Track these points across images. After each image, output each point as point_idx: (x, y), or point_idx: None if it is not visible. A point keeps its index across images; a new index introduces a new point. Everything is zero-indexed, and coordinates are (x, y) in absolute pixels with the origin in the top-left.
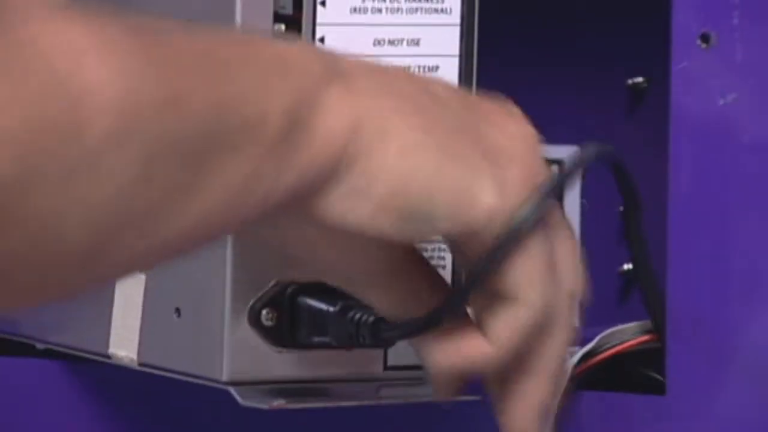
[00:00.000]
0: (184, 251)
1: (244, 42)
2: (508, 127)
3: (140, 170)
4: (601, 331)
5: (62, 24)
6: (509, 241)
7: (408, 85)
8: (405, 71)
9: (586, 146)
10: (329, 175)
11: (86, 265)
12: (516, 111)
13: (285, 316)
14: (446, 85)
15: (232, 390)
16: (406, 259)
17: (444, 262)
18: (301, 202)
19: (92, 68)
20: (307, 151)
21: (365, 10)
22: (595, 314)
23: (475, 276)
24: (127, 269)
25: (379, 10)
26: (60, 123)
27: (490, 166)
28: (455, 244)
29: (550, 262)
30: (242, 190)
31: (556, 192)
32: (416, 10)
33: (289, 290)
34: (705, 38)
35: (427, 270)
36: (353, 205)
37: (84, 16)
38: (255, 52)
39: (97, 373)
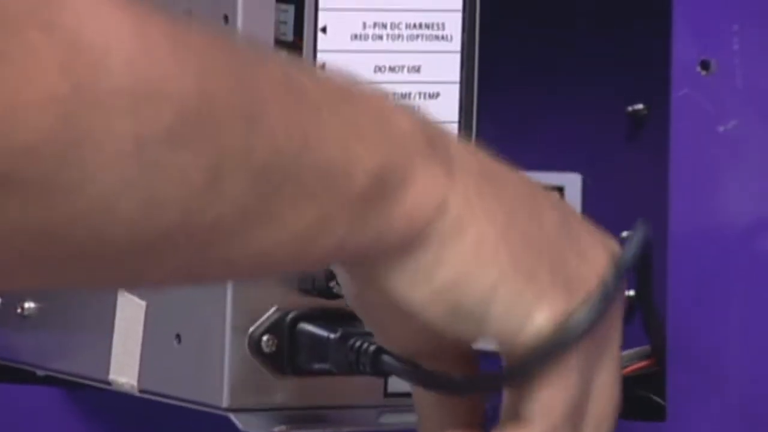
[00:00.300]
0: (242, 276)
1: (344, 90)
2: (597, 262)
3: (207, 177)
4: None
5: (137, 18)
6: (547, 357)
7: (511, 187)
8: (517, 174)
9: (631, 237)
10: (401, 247)
11: (141, 258)
12: (614, 248)
13: (285, 342)
14: (557, 202)
15: (232, 416)
16: (451, 347)
17: None
18: (369, 262)
19: (162, 63)
20: (388, 219)
21: (366, 37)
22: None
23: (501, 379)
24: (179, 277)
25: (380, 37)
26: (110, 101)
27: (557, 291)
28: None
29: (579, 403)
30: (312, 234)
31: (612, 298)
32: (417, 37)
33: (290, 317)
34: (705, 65)
35: (470, 360)
36: (413, 285)
37: (158, 13)
38: (355, 102)
39: (97, 400)
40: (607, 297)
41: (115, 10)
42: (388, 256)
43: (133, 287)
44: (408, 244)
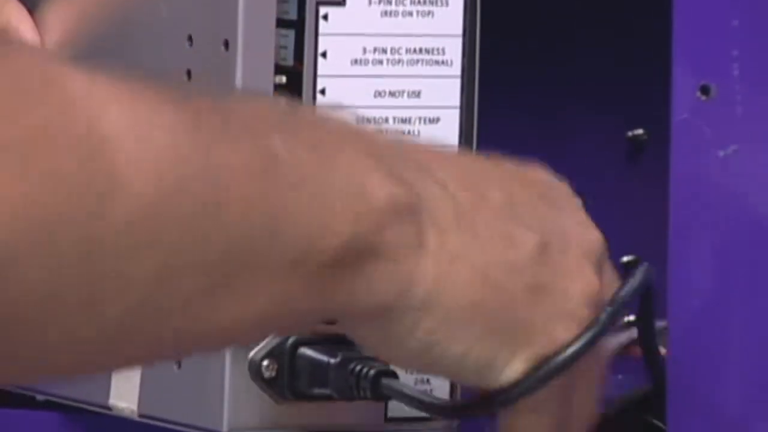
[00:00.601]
0: (201, 351)
1: (322, 153)
2: (580, 288)
3: (155, 279)
4: None
5: (106, 101)
6: (528, 390)
7: (488, 225)
8: (495, 189)
9: (630, 279)
10: (374, 316)
11: (80, 354)
12: (598, 247)
13: (285, 367)
14: (538, 215)
15: None
16: None
17: None
18: (343, 324)
19: (118, 161)
20: (355, 293)
21: (366, 62)
22: None
23: (485, 405)
24: (130, 362)
25: (380, 62)
26: (56, 213)
27: (536, 339)
28: None
29: (562, 422)
30: (274, 309)
31: (602, 335)
32: (417, 61)
33: (290, 341)
34: (705, 90)
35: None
36: (388, 348)
37: (127, 86)
38: (331, 168)
39: (97, 425)
40: (597, 334)
41: (75, 94)
42: (360, 323)
43: (76, 375)
44: (379, 314)
